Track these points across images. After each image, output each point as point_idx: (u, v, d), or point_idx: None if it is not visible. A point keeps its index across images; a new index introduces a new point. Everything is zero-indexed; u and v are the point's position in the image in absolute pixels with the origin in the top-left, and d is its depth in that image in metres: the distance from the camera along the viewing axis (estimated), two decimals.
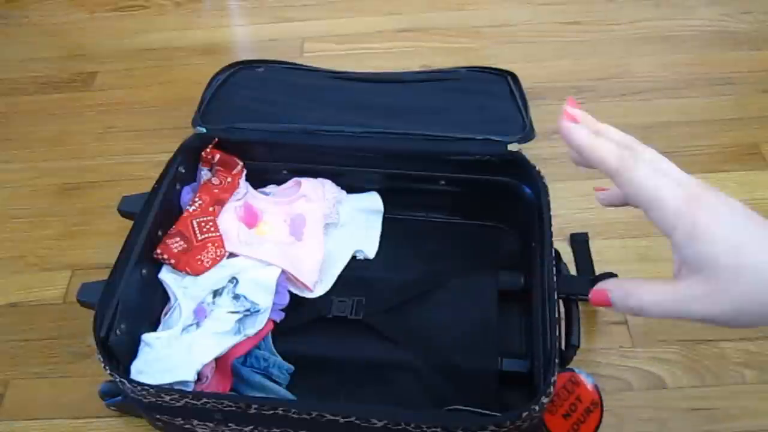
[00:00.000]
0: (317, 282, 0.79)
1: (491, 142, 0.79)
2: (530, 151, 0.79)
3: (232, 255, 0.77)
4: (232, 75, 0.91)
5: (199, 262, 0.74)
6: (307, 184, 0.85)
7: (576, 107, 0.45)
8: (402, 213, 0.88)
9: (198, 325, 0.71)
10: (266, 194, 0.86)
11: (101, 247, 0.90)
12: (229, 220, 0.79)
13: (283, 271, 0.76)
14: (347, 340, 0.77)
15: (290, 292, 0.77)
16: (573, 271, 0.82)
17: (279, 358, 0.74)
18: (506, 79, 0.89)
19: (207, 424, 0.63)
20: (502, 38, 1.18)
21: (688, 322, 0.40)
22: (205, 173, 0.83)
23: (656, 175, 0.40)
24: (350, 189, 0.87)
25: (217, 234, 0.77)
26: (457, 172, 0.82)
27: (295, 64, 0.96)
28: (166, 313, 0.73)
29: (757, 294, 0.36)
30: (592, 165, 0.43)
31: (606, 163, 0.41)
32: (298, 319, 0.77)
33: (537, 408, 0.55)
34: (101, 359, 0.61)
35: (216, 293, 0.74)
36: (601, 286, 0.42)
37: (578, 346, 0.68)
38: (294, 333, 0.76)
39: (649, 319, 0.43)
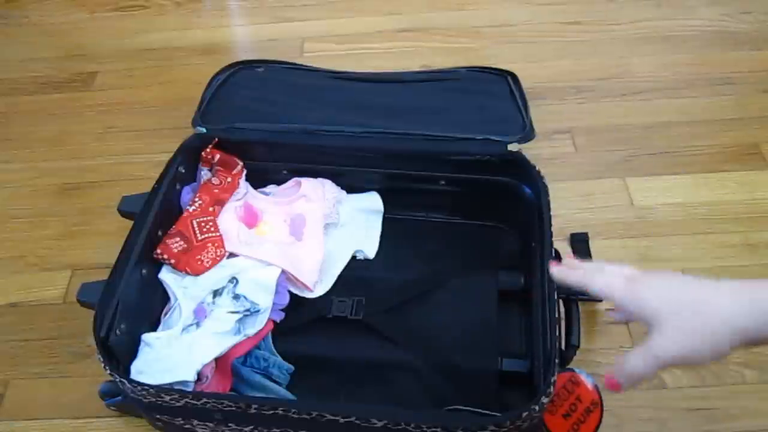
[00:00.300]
0: (317, 282, 0.79)
1: (491, 142, 0.79)
2: (530, 151, 0.79)
3: (232, 255, 0.77)
4: (232, 75, 0.91)
5: (199, 262, 0.74)
6: (307, 184, 0.85)
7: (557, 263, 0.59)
8: (402, 213, 0.88)
9: (198, 325, 0.71)
10: (266, 194, 0.86)
11: (101, 247, 0.90)
12: (229, 220, 0.79)
13: (283, 271, 0.76)
14: (347, 340, 0.77)
15: (290, 292, 0.77)
16: None
17: (279, 358, 0.74)
18: (506, 79, 0.89)
19: (207, 424, 0.63)
20: (503, 38, 1.18)
21: None
22: (205, 173, 0.83)
23: (605, 277, 0.52)
24: (350, 189, 0.87)
25: (217, 234, 0.77)
26: (457, 172, 0.82)
27: (295, 64, 0.96)
28: (166, 313, 0.73)
29: (703, 328, 0.45)
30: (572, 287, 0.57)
31: (574, 283, 0.55)
32: (298, 319, 0.77)
33: (537, 408, 0.55)
34: (101, 359, 0.61)
35: (216, 293, 0.74)
36: (608, 375, 0.50)
37: (578, 346, 0.68)
38: (294, 333, 0.76)
39: None
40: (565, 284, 0.56)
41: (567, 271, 0.56)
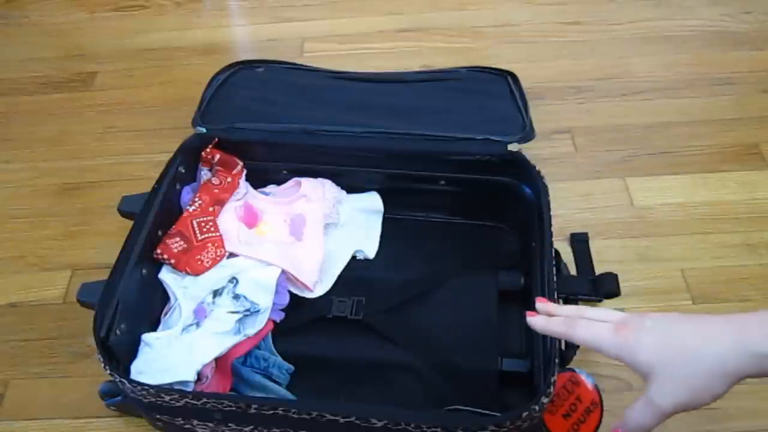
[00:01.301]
0: (317, 282, 0.79)
1: (491, 142, 0.79)
2: (530, 151, 0.79)
3: (232, 255, 0.77)
4: (232, 75, 0.91)
5: (199, 262, 0.74)
6: (307, 184, 0.85)
7: (542, 302, 0.59)
8: (402, 213, 0.88)
9: (198, 325, 0.71)
10: (266, 194, 0.86)
11: (101, 247, 0.90)
12: (229, 220, 0.79)
13: (283, 271, 0.76)
14: (347, 340, 0.77)
15: (290, 292, 0.77)
16: (573, 271, 0.82)
17: (279, 358, 0.74)
18: (506, 79, 0.89)
19: (207, 424, 0.63)
20: (503, 38, 1.18)
21: None
22: (205, 173, 0.83)
23: (590, 326, 0.51)
24: (350, 189, 0.87)
25: (217, 234, 0.77)
26: (457, 172, 0.82)
27: (295, 64, 0.96)
28: (166, 313, 0.73)
29: (696, 376, 0.45)
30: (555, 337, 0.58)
31: (557, 334, 0.55)
32: (298, 319, 0.77)
33: (537, 408, 0.55)
34: (101, 359, 0.61)
35: (216, 293, 0.74)
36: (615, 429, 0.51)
37: (578, 346, 0.68)
38: (294, 333, 0.76)
39: None
40: (548, 335, 0.57)
41: (545, 320, 0.55)
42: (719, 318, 0.47)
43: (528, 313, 0.57)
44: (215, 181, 0.81)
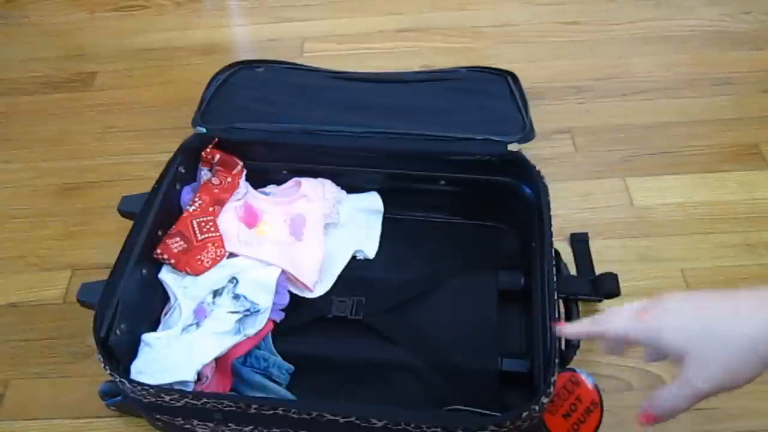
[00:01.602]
0: (317, 282, 0.79)
1: (491, 142, 0.79)
2: (530, 151, 0.79)
3: (232, 255, 0.77)
4: (232, 75, 0.91)
5: (199, 262, 0.74)
6: (307, 184, 0.85)
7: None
8: (402, 213, 0.88)
9: (198, 325, 0.71)
10: (266, 194, 0.86)
11: (101, 247, 0.90)
12: (229, 220, 0.79)
13: (283, 271, 0.76)
14: (347, 340, 0.77)
15: (290, 292, 0.77)
16: (573, 271, 0.82)
17: (279, 358, 0.74)
18: (506, 79, 0.89)
19: (207, 424, 0.63)
20: (503, 38, 1.18)
21: None
22: (205, 173, 0.83)
23: (617, 316, 0.50)
24: (350, 189, 0.87)
25: (217, 234, 0.77)
26: (457, 172, 0.82)
27: (295, 64, 0.96)
28: (166, 313, 0.73)
29: (732, 358, 0.44)
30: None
31: (589, 334, 0.55)
32: (298, 319, 0.77)
33: (537, 408, 0.55)
34: (101, 359, 0.61)
35: (216, 293, 0.74)
36: (645, 410, 0.51)
37: (578, 346, 0.68)
38: (294, 333, 0.76)
39: None
40: (582, 339, 0.59)
41: (578, 325, 0.55)
42: (750, 296, 0.45)
43: (559, 323, 0.58)
44: (215, 181, 0.81)
